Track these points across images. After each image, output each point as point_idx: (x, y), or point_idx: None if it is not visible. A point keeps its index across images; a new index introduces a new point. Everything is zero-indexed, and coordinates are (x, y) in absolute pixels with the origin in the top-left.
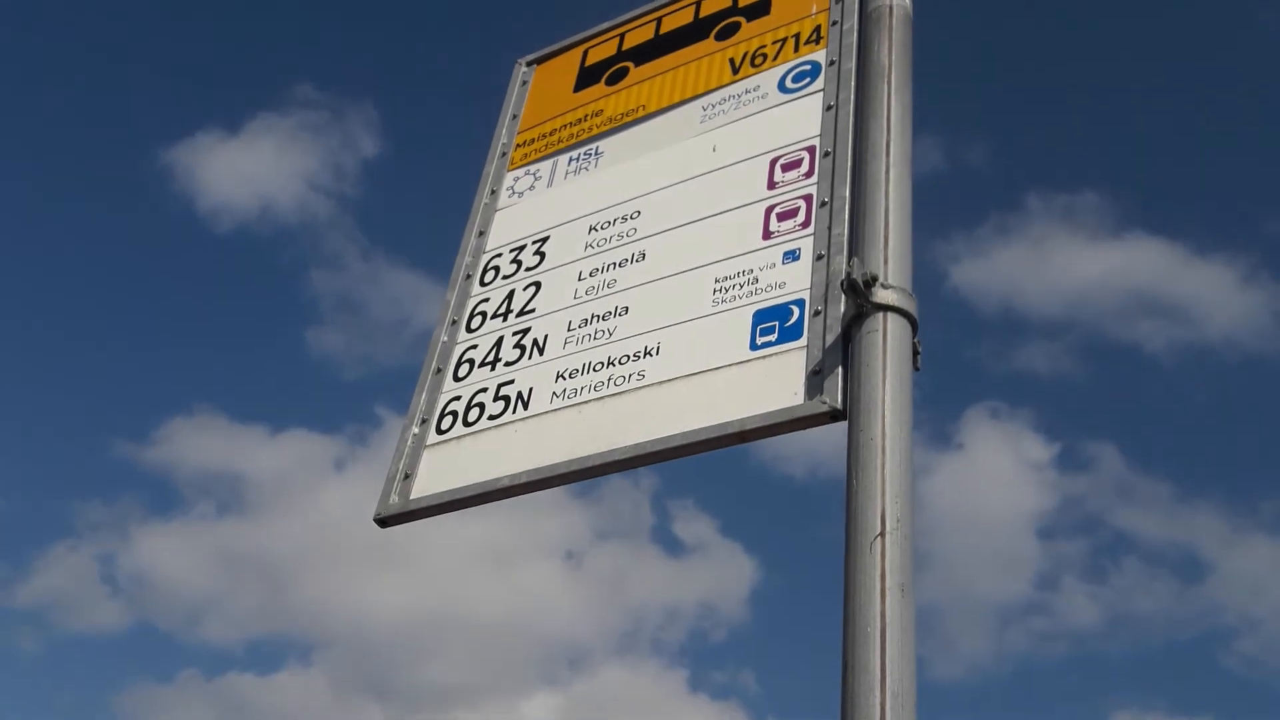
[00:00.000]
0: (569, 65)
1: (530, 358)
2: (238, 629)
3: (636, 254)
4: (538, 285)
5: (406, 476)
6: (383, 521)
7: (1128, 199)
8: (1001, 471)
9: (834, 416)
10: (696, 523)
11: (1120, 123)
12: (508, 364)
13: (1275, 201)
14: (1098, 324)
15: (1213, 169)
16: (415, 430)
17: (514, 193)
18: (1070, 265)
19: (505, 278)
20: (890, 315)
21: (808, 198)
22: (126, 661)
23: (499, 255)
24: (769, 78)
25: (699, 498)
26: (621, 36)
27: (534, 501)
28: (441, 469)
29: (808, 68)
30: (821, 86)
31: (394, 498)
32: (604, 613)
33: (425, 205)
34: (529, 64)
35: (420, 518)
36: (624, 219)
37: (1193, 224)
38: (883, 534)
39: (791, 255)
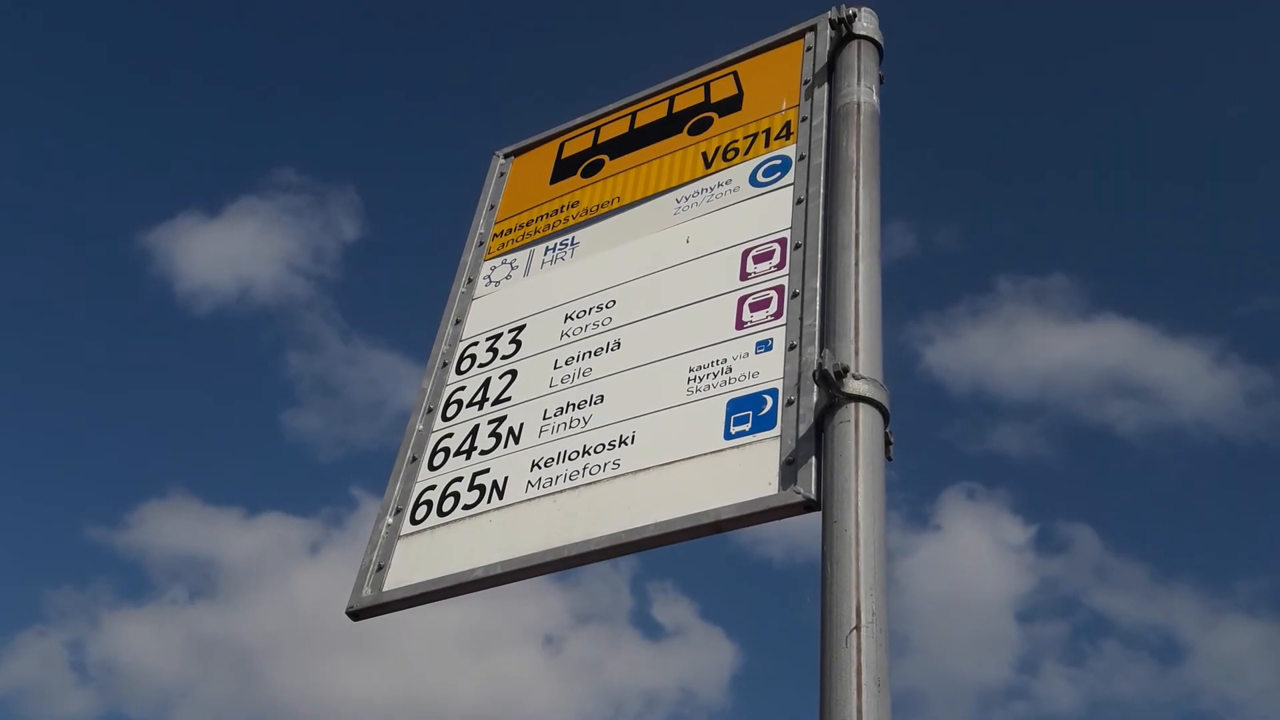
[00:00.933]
0: (545, 157)
1: (506, 446)
2: (208, 717)
3: (612, 343)
4: (514, 373)
5: (380, 568)
6: (355, 614)
7: (1098, 281)
8: (980, 553)
9: (808, 507)
10: (676, 605)
11: (1090, 206)
12: (483, 453)
13: (1246, 284)
14: (1069, 405)
15: (1184, 251)
16: (389, 520)
17: (491, 281)
18: (1042, 347)
19: (481, 366)
20: (862, 405)
21: (779, 289)
22: None
23: (475, 344)
24: (741, 171)
25: (678, 580)
26: (597, 130)
27: (513, 585)
28: (416, 560)
29: (778, 162)
30: (792, 180)
31: (367, 590)
32: (583, 699)
33: (405, 288)
34: (506, 155)
35: (394, 610)
36: (599, 308)
37: (1164, 306)
38: (858, 628)
39: (764, 345)
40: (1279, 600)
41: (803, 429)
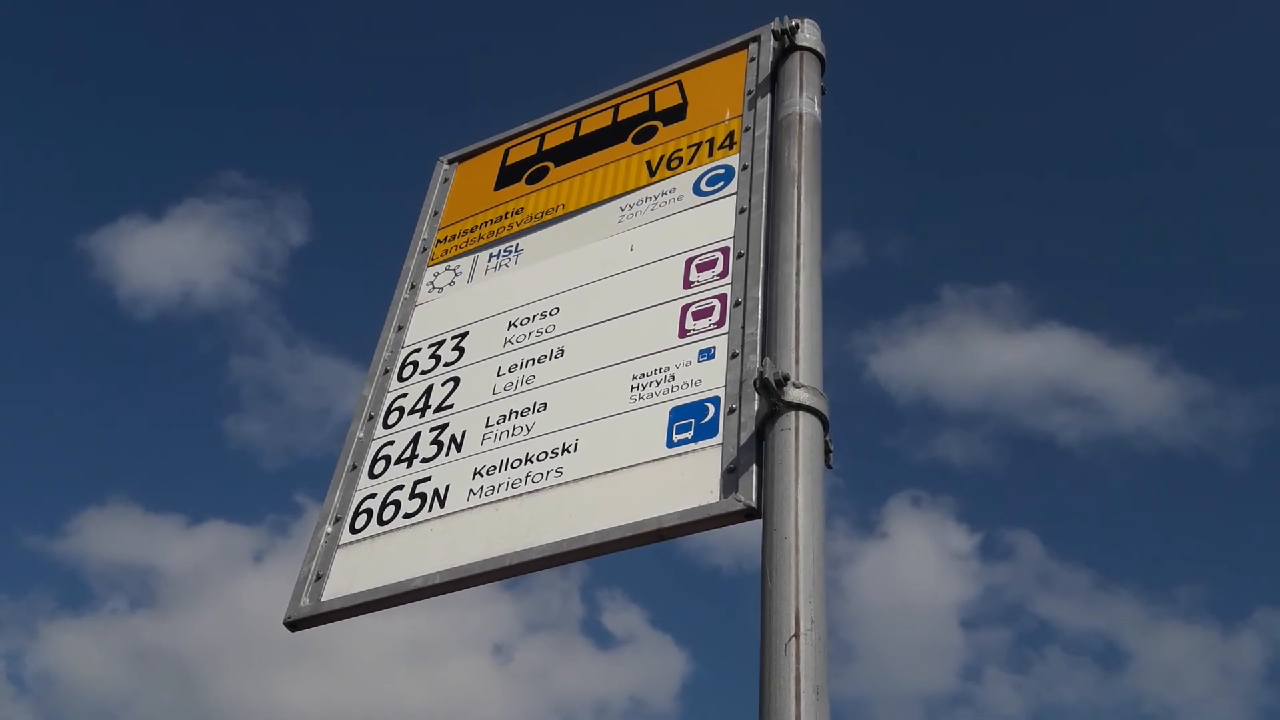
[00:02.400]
0: (490, 163)
1: (448, 454)
2: None
3: (555, 350)
4: (456, 380)
5: (319, 578)
6: (293, 625)
7: (1042, 291)
8: (925, 561)
9: (749, 515)
10: (626, 613)
11: (1035, 216)
12: (425, 460)
13: (1188, 294)
14: (1013, 414)
15: (1127, 262)
16: (329, 529)
17: (434, 288)
18: (985, 356)
19: (424, 373)
20: (802, 414)
21: (722, 297)
22: None
23: (418, 350)
24: (685, 180)
25: (627, 588)
26: (542, 137)
27: (462, 594)
28: (355, 570)
29: (721, 172)
30: (735, 190)
31: (305, 600)
32: (533, 708)
33: (352, 294)
34: (450, 161)
35: (332, 620)
36: (543, 315)
37: (1107, 316)
38: (797, 635)
39: (707, 353)
40: (1217, 607)
41: (744, 437)
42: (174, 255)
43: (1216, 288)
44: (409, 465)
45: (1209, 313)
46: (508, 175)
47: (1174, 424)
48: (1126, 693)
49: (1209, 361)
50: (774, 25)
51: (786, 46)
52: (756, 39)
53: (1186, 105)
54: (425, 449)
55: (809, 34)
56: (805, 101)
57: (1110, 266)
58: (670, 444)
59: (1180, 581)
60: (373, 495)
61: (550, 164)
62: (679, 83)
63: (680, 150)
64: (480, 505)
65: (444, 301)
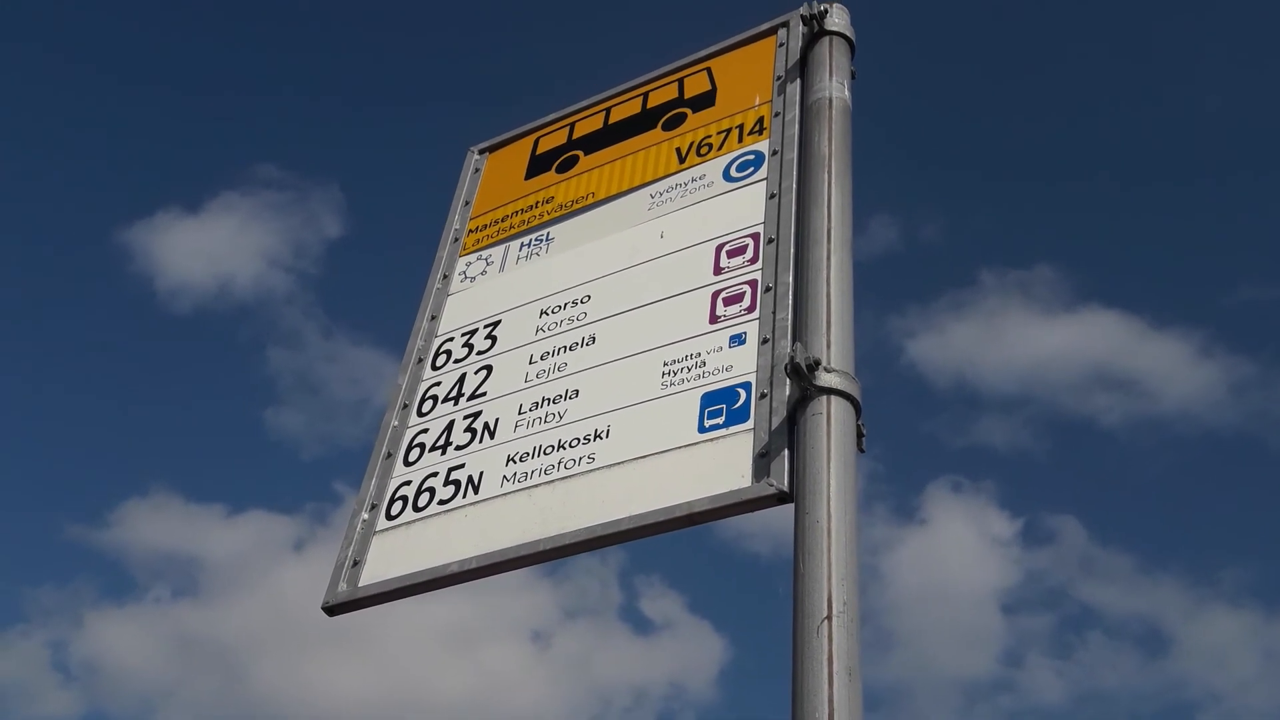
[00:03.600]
0: (520, 153)
1: (481, 441)
2: (193, 717)
3: (587, 338)
4: (489, 369)
5: (355, 563)
6: (331, 610)
7: (1083, 272)
8: (965, 546)
9: (781, 499)
10: (664, 600)
11: (1075, 198)
12: (458, 448)
13: (1231, 274)
14: (1054, 398)
15: (1169, 243)
16: (365, 516)
17: (466, 277)
18: (1025, 339)
19: (457, 361)
20: (834, 398)
21: (753, 283)
22: None
23: (451, 339)
24: (714, 167)
25: (665, 575)
26: (571, 126)
27: (500, 581)
28: (391, 555)
29: (751, 157)
30: (765, 175)
31: (343, 585)
32: (571, 694)
33: (388, 285)
34: (481, 151)
35: (369, 605)
36: (574, 303)
37: (1149, 297)
38: (829, 618)
39: (738, 339)
40: (1262, 590)
41: (775, 422)
42: (211, 248)
43: (1260, 268)
44: (443, 453)
45: (1253, 292)
46: (538, 164)
47: (1217, 405)
48: (1169, 677)
49: (1253, 342)
50: (803, 10)
51: (815, 31)
52: (785, 24)
53: (1228, 85)
54: (459, 436)
55: (838, 18)
56: (835, 86)
57: (1153, 247)
58: (702, 429)
59: (1224, 565)
60: (408, 482)
61: (580, 152)
62: (708, 69)
63: (710, 136)
64: (514, 491)
65: (476, 291)
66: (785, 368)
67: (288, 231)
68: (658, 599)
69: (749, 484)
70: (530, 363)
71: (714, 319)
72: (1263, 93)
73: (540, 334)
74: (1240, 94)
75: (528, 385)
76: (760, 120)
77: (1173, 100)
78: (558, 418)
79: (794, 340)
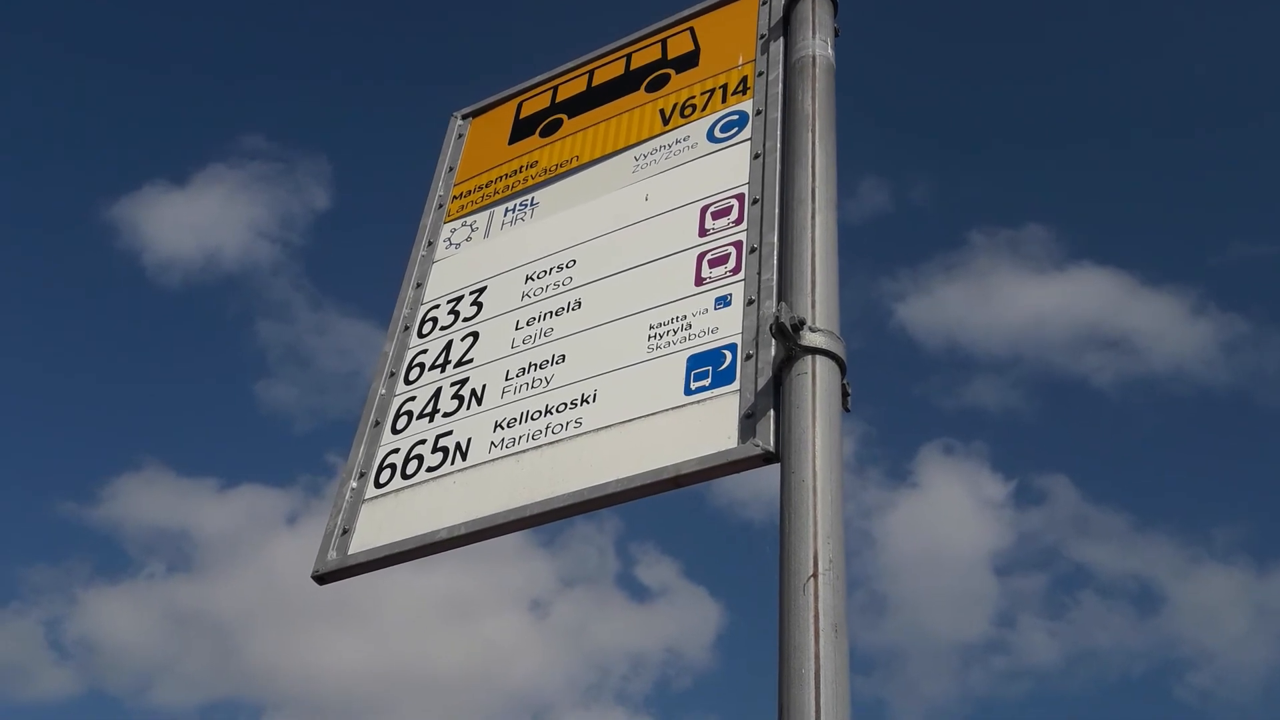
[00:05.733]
0: (504, 118)
1: (469, 408)
2: (189, 692)
3: (572, 302)
4: (475, 335)
5: (345, 532)
6: (321, 578)
7: (1075, 231)
8: (958, 508)
9: (767, 459)
10: (659, 566)
11: (1065, 156)
12: (446, 415)
13: (1224, 232)
14: (1044, 357)
15: (1161, 200)
16: (353, 484)
17: (451, 244)
18: (1016, 299)
19: (443, 329)
20: (819, 358)
21: (738, 244)
22: None
23: (437, 306)
24: (698, 128)
25: (660, 542)
26: (555, 89)
27: (497, 551)
28: (380, 523)
29: (735, 118)
30: (749, 136)
31: (332, 553)
32: (569, 662)
33: (377, 256)
34: (464, 117)
35: (359, 573)
36: (560, 268)
37: (1142, 254)
38: (815, 575)
39: (723, 301)
40: (1253, 547)
41: (761, 383)
42: (199, 221)
43: (1253, 224)
44: (431, 420)
45: (1245, 250)
46: (521, 129)
47: (1210, 364)
48: (1162, 635)
49: (1246, 299)
50: None
51: None
52: None
53: (1221, 37)
54: (446, 403)
55: None
56: (818, 44)
57: (1145, 204)
58: (688, 392)
59: (1216, 523)
60: (396, 450)
61: (564, 116)
62: (691, 29)
63: (694, 97)
64: (502, 457)
65: (461, 257)
66: (770, 328)
67: (275, 203)
68: (653, 566)
69: (735, 445)
70: (516, 328)
71: (699, 281)
72: (1253, 48)
73: (526, 299)
74: (1231, 50)
75: (514, 351)
76: (744, 80)
77: (1163, 57)
78: (545, 383)
79: (779, 300)
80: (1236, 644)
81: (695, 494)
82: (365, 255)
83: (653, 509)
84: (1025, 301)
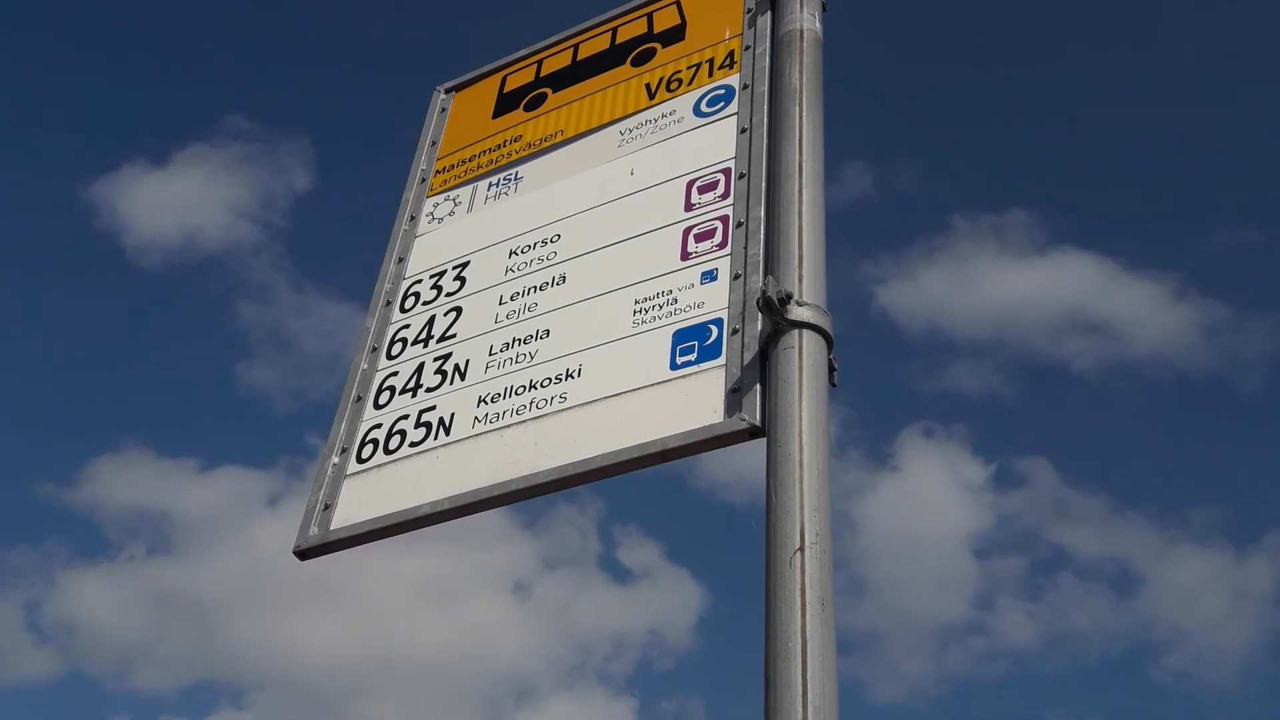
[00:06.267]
0: (487, 92)
1: (452, 383)
2: (170, 674)
3: (557, 277)
4: (459, 310)
5: (326, 507)
6: (303, 554)
7: (1058, 215)
8: (938, 491)
9: (754, 433)
10: (642, 548)
11: (1050, 141)
12: (429, 390)
13: (1207, 218)
14: (1025, 342)
15: (1146, 185)
16: (335, 460)
17: (434, 219)
18: (998, 283)
19: (426, 303)
20: (806, 332)
21: (724, 219)
22: (56, 712)
23: (419, 281)
24: (684, 102)
25: (642, 524)
26: (539, 63)
27: (480, 532)
28: (362, 498)
29: (722, 92)
30: (736, 110)
31: (314, 529)
32: (551, 644)
33: (359, 237)
34: (448, 91)
35: (341, 548)
36: (544, 243)
37: (1125, 240)
38: (802, 549)
39: (709, 275)
40: (1230, 530)
41: (747, 357)
42: (179, 201)
43: (1236, 210)
44: (414, 395)
45: (1228, 236)
46: (505, 103)
47: (1190, 349)
48: (1139, 617)
49: (1227, 285)
50: None
51: None
52: None
53: (1205, 23)
54: (429, 379)
55: None
56: (806, 18)
57: (1128, 190)
58: (674, 366)
59: (1194, 505)
60: (378, 425)
61: (548, 90)
62: (677, 3)
63: (680, 71)
64: (485, 432)
65: (444, 232)
66: (757, 302)
67: (257, 184)
68: (635, 548)
69: (721, 419)
70: (500, 303)
71: (685, 255)
72: (1238, 34)
73: (510, 274)
74: (1216, 36)
75: (498, 326)
76: (731, 54)
77: (1147, 43)
78: (529, 358)
79: (766, 275)
80: (1213, 626)
81: (677, 476)
82: (347, 237)
83: (635, 491)
84: (1007, 286)
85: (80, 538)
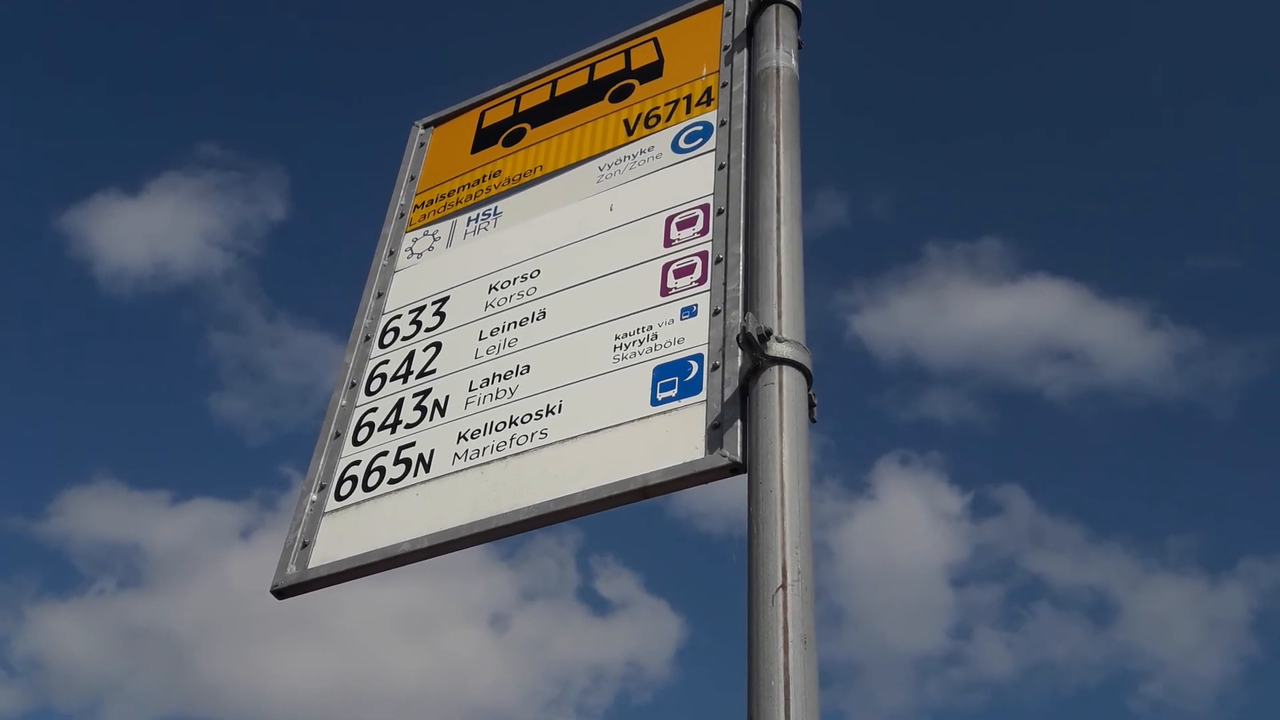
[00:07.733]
0: (466, 127)
1: (431, 419)
2: (142, 710)
3: (537, 312)
4: (438, 346)
5: (304, 545)
6: (280, 593)
7: (1031, 244)
8: (915, 520)
9: (734, 470)
10: (619, 579)
11: (1022, 169)
12: (408, 426)
13: (1180, 245)
14: (999, 370)
15: (1118, 212)
16: (314, 497)
17: (413, 254)
18: (971, 311)
19: (405, 339)
20: (785, 368)
21: (703, 254)
22: None
23: (398, 316)
24: (663, 138)
25: (619, 554)
26: (518, 98)
27: (457, 565)
28: (341, 536)
29: (700, 128)
30: (713, 146)
31: (291, 567)
32: (529, 676)
33: (334, 267)
34: (426, 125)
35: (320, 587)
36: (524, 278)
37: (1097, 267)
38: (784, 586)
39: (689, 311)
40: (1205, 558)
41: (728, 393)
42: (151, 230)
43: (1208, 238)
44: (393, 431)
45: (1200, 263)
46: (484, 138)
47: (1163, 376)
48: (1116, 646)
49: (1200, 313)
50: None
51: (762, 0)
52: None
53: (1174, 52)
54: (409, 414)
55: None
56: (782, 55)
57: (1101, 218)
58: (654, 402)
59: (1169, 533)
60: (357, 462)
61: (527, 125)
62: (655, 40)
63: (658, 108)
64: (465, 469)
65: (423, 267)
66: (737, 338)
67: (231, 213)
68: (614, 579)
69: (702, 455)
70: (480, 339)
71: (665, 291)
72: (1211, 62)
73: (490, 309)
74: (1188, 63)
75: (478, 361)
76: (708, 91)
77: (1120, 70)
78: (509, 393)
79: (745, 311)
80: (1189, 654)
81: (655, 506)
82: (321, 267)
83: (613, 522)
84: (981, 314)
85: (50, 571)
